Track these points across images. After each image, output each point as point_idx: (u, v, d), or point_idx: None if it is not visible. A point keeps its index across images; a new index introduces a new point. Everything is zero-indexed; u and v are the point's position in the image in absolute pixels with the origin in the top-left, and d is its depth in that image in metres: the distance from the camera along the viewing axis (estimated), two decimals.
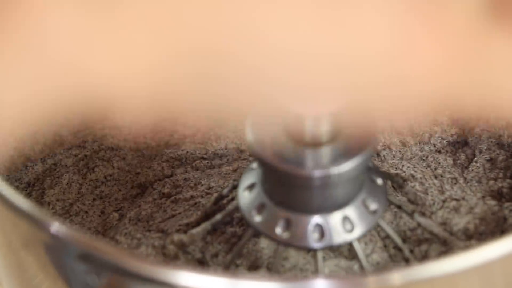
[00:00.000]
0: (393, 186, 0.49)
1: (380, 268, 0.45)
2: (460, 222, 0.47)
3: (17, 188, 0.52)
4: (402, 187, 0.48)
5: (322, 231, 0.40)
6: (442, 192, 0.49)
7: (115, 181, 0.52)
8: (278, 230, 0.40)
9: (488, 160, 0.52)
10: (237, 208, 0.43)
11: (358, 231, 0.40)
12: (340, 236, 0.40)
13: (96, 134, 0.55)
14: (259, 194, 0.41)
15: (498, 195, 0.49)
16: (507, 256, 0.34)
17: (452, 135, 0.53)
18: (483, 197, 0.48)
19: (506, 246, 0.34)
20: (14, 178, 0.52)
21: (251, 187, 0.42)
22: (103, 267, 0.34)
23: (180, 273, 0.33)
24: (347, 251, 0.46)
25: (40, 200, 0.51)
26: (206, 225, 0.46)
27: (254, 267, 0.45)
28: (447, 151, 0.52)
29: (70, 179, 0.52)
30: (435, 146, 0.52)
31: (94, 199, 0.51)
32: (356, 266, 0.44)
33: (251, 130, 0.39)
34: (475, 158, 0.52)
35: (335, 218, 0.40)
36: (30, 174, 0.53)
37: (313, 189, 0.39)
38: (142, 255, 0.44)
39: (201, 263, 0.45)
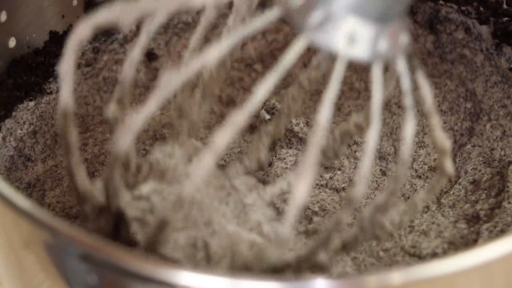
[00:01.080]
0: None
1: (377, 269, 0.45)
2: (428, 246, 0.47)
3: (17, 188, 0.52)
4: None
5: (353, 38, 0.36)
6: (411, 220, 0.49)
7: None
8: (312, 18, 0.36)
9: (471, 182, 0.52)
10: None
11: (384, 51, 0.37)
12: (367, 50, 0.37)
13: (97, 137, 0.55)
14: None
15: (475, 219, 0.49)
16: (507, 256, 0.34)
17: (435, 160, 0.53)
18: (456, 221, 0.49)
19: (506, 246, 0.34)
20: (14, 178, 0.52)
21: None
22: (103, 267, 0.34)
23: (180, 273, 0.33)
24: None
25: (40, 202, 0.51)
26: None
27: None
28: (426, 177, 0.53)
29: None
30: (416, 172, 0.53)
31: None
32: (354, 268, 0.44)
33: None
34: (459, 180, 0.52)
35: (368, 31, 0.37)
36: (30, 174, 0.53)
37: None
38: (142, 255, 0.44)
39: None
